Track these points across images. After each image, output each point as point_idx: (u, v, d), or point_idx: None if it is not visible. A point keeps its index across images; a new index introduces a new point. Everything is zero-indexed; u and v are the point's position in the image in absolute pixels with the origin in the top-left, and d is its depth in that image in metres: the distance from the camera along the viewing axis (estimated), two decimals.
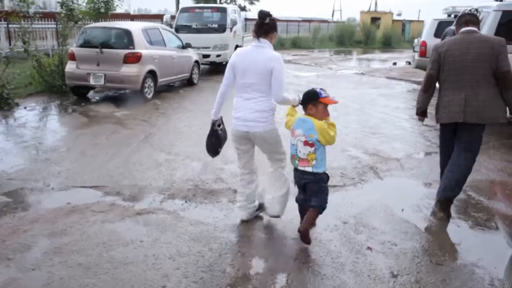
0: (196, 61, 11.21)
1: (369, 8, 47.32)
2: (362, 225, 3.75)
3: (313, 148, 3.14)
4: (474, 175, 5.00)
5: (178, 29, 13.23)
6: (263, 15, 3.28)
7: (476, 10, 4.01)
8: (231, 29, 13.15)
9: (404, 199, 4.33)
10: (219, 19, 13.23)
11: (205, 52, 12.89)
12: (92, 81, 8.49)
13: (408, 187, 4.73)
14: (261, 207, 3.77)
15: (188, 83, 11.03)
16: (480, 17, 4.07)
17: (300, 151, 3.19)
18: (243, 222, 3.72)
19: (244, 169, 3.60)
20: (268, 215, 3.69)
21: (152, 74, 8.86)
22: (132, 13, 44.72)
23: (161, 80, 9.25)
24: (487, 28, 7.29)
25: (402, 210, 4.06)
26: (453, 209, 4.00)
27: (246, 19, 34.41)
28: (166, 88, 10.29)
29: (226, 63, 13.09)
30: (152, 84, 8.88)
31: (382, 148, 5.94)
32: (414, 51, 13.24)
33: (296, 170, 3.29)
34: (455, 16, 12.14)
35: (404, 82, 12.71)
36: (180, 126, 6.93)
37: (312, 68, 15.57)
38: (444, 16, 12.20)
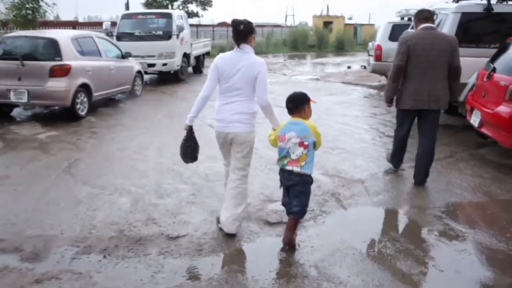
0: (139, 72, 10.20)
1: (321, 13, 47.44)
2: (326, 278, 2.97)
3: (306, 150, 3.17)
4: (448, 196, 4.40)
5: (120, 37, 12.16)
6: (236, 23, 3.28)
7: (432, 12, 4.53)
8: (177, 35, 12.20)
9: (374, 236, 3.60)
10: (164, 26, 12.25)
11: (150, 61, 11.87)
12: (13, 98, 7.32)
13: (376, 219, 4.00)
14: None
15: (130, 95, 10.01)
16: (436, 20, 4.71)
17: (293, 153, 3.19)
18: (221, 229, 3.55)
19: (228, 166, 3.63)
20: (224, 231, 3.50)
21: (85, 88, 7.78)
22: (81, 20, 42.80)
23: (96, 94, 8.17)
24: (446, 31, 6.77)
25: (372, 252, 3.33)
26: (433, 249, 3.32)
27: (198, 25, 33.56)
28: (105, 102, 9.21)
29: (175, 72, 12.30)
30: (85, 100, 7.80)
31: (344, 168, 5.21)
32: (369, 55, 12.79)
33: (283, 171, 3.27)
34: (409, 19, 11.77)
35: (360, 87, 12.19)
36: (113, 150, 5.94)
37: None
38: (398, 19, 11.81)
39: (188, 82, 12.73)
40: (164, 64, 11.93)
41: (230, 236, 3.49)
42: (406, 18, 11.69)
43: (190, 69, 14.77)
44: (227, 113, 3.32)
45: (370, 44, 13.71)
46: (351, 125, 7.49)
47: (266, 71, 3.29)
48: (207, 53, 16.31)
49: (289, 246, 3.28)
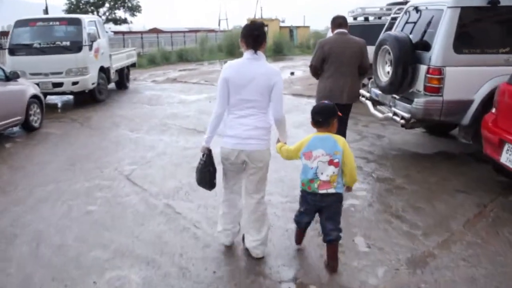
0: (35, 96, 7.57)
1: (255, 16, 45.90)
2: None
3: (337, 168, 2.84)
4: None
5: (14, 50, 9.39)
6: (258, 26, 2.95)
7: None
8: (90, 46, 9.64)
9: None
10: (72, 35, 9.59)
11: (56, 79, 9.22)
12: None
13: None
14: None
15: (25, 128, 7.39)
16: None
17: (322, 173, 2.84)
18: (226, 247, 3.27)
19: (230, 190, 3.19)
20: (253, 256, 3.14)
21: None
22: None
23: None
24: (444, 33, 4.96)
25: None
26: None
27: (124, 33, 30.47)
28: None
29: (90, 91, 9.69)
30: None
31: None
32: None
33: (313, 194, 2.90)
34: (366, 19, 10.05)
35: (314, 100, 10.27)
36: None
37: (202, 88, 12.58)
38: (355, 20, 10.05)
39: (108, 103, 10.17)
40: (75, 83, 9.31)
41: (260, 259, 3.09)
42: (361, 18, 9.98)
43: (112, 85, 12.23)
44: (240, 129, 2.94)
45: None
46: None
47: (282, 82, 2.94)
48: (133, 65, 13.72)
49: (335, 268, 3.00)
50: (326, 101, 3.10)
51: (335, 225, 2.93)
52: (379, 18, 10.13)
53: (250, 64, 2.88)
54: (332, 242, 2.94)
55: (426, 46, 5.19)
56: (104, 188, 4.68)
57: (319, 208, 2.94)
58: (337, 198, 2.91)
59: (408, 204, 4.07)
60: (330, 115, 2.89)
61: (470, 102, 5.02)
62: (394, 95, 5.65)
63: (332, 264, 2.98)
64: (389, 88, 5.51)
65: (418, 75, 5.24)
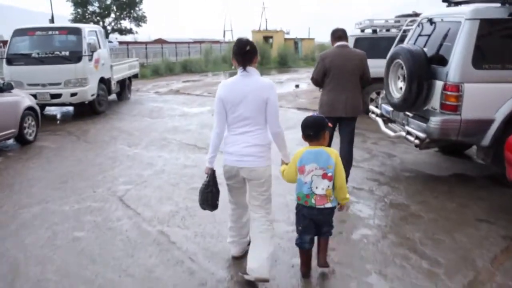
0: (30, 108, 7.26)
1: (259, 27, 45.87)
2: None
3: (331, 182, 2.81)
4: None
5: (12, 60, 9.13)
6: (243, 44, 2.88)
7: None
8: (90, 56, 9.35)
9: None
10: (71, 44, 9.32)
11: (54, 90, 8.93)
12: None
13: None
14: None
15: (19, 141, 7.07)
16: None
17: (317, 187, 2.82)
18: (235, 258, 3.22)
19: (235, 205, 3.18)
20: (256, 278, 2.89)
21: None
22: None
23: None
24: (462, 46, 4.60)
25: None
26: None
27: (128, 43, 30.36)
28: None
29: (89, 103, 9.37)
30: None
31: None
32: None
33: (310, 208, 2.86)
34: (374, 31, 9.73)
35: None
36: None
37: (205, 100, 12.25)
38: (362, 32, 9.72)
39: (108, 115, 9.86)
40: (73, 94, 9.01)
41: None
42: (368, 31, 9.65)
43: (114, 96, 11.95)
44: (239, 146, 2.90)
45: None
46: None
47: (276, 95, 2.89)
48: (135, 76, 13.44)
49: (325, 266, 3.04)
50: (315, 114, 3.04)
51: (330, 226, 3.00)
52: (387, 30, 9.82)
53: (242, 81, 2.86)
54: (326, 235, 3.01)
55: (442, 61, 4.83)
56: (94, 210, 4.31)
57: (316, 221, 2.93)
58: (332, 211, 2.94)
59: (426, 236, 3.67)
60: (321, 128, 2.85)
61: (491, 121, 4.64)
62: (407, 113, 5.28)
63: (322, 257, 3.02)
64: (402, 105, 5.14)
65: (433, 91, 4.87)
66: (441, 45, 5.00)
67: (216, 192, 3.02)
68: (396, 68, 5.41)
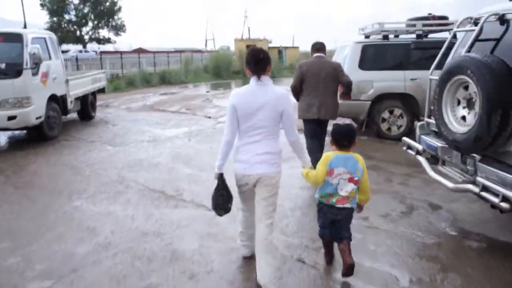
0: None
1: (242, 36, 44.13)
2: None
3: (356, 186, 2.91)
4: None
5: None
6: (257, 52, 2.86)
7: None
8: (34, 70, 7.32)
9: None
10: (9, 55, 7.24)
11: None
12: None
13: None
14: None
15: None
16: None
17: (342, 189, 2.92)
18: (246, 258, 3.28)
19: (247, 212, 3.18)
20: None
21: None
22: None
23: None
24: None
25: None
26: None
27: (102, 52, 28.16)
28: None
29: (36, 127, 7.05)
30: None
31: None
32: None
33: (330, 206, 2.98)
34: (385, 37, 7.92)
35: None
36: None
37: (182, 119, 10.27)
38: (370, 39, 7.92)
39: (60, 142, 7.77)
40: (11, 118, 6.94)
41: None
42: (378, 37, 7.86)
43: (74, 115, 9.94)
44: (250, 153, 2.88)
45: None
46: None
47: (291, 105, 2.89)
48: (101, 90, 11.36)
49: (351, 271, 2.93)
50: (347, 121, 3.04)
51: (348, 229, 3.00)
52: (396, 36, 8.07)
53: (257, 91, 2.83)
54: (343, 240, 2.94)
55: None
56: None
57: (333, 220, 3.00)
58: (351, 211, 3.00)
59: None
60: (354, 137, 2.93)
61: None
62: (474, 154, 3.47)
63: (348, 260, 2.87)
64: (472, 145, 3.32)
65: None
66: None
67: (227, 195, 3.01)
68: (454, 89, 3.60)
